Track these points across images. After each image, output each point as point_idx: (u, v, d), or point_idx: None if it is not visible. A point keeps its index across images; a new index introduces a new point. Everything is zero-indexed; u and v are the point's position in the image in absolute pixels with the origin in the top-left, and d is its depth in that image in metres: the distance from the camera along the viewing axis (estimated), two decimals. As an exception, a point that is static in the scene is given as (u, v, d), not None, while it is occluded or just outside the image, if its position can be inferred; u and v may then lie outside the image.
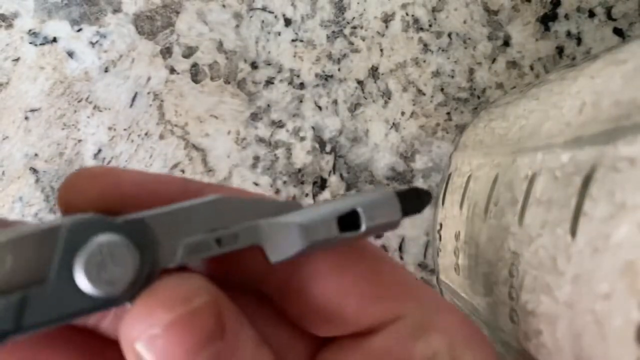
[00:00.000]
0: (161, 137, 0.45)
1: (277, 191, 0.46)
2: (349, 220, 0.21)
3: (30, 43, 0.45)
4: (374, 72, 0.46)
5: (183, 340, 0.18)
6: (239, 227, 0.20)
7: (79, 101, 0.45)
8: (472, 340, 0.24)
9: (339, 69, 0.46)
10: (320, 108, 0.46)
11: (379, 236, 0.46)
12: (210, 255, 0.20)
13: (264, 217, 0.21)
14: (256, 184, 0.46)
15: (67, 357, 0.22)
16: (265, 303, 0.24)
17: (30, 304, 0.17)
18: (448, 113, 0.46)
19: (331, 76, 0.46)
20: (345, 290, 0.23)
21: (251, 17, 0.46)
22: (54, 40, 0.45)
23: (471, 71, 0.46)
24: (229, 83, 0.45)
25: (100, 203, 0.20)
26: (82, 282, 0.18)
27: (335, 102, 0.46)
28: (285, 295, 0.23)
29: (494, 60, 0.46)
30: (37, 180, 0.45)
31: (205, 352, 0.18)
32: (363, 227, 0.21)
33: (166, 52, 0.45)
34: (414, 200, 0.23)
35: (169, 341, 0.18)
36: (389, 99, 0.46)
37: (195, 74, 0.45)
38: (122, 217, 0.19)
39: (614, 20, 0.46)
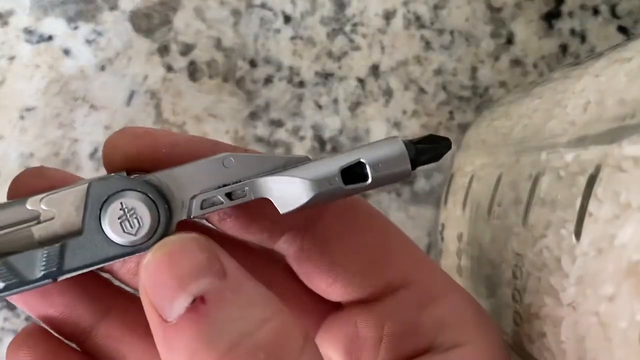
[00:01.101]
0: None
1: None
2: (355, 172, 0.22)
3: (26, 41, 0.45)
4: (374, 70, 0.46)
5: (171, 266, 0.20)
6: (248, 181, 0.22)
7: (75, 100, 0.45)
8: (478, 316, 0.25)
9: (339, 67, 0.46)
10: (320, 107, 0.46)
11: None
12: (222, 208, 0.22)
13: (272, 171, 0.22)
14: (256, 184, 0.46)
15: (84, 302, 0.25)
16: (283, 271, 0.26)
17: (70, 251, 0.21)
18: (450, 112, 0.46)
19: (331, 74, 0.46)
20: (353, 255, 0.25)
21: (250, 14, 0.46)
22: (50, 38, 0.45)
23: (474, 69, 0.46)
24: (227, 81, 0.45)
25: (138, 161, 0.23)
26: (109, 232, 0.21)
27: (335, 100, 0.46)
28: (300, 258, 0.25)
29: (497, 59, 0.46)
30: (33, 180, 0.44)
31: (197, 283, 0.19)
32: (369, 179, 0.22)
33: (163, 49, 0.45)
34: (428, 148, 0.24)
35: (158, 266, 0.20)
36: (390, 97, 0.46)
37: (193, 72, 0.45)
38: (141, 176, 0.22)
39: (619, 17, 0.46)
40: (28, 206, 0.21)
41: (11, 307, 0.45)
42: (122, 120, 0.45)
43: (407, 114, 0.46)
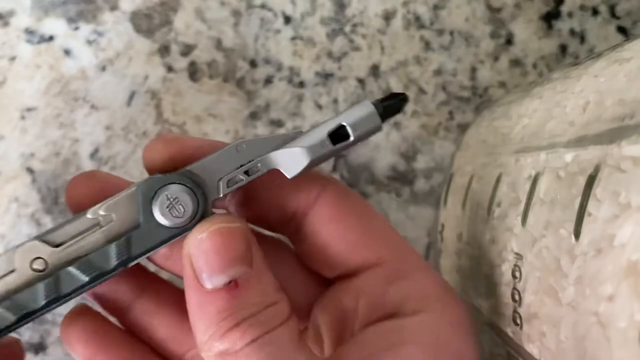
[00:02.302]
0: (161, 137, 0.45)
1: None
2: (340, 134, 0.27)
3: (27, 41, 0.45)
4: (374, 70, 0.46)
5: (221, 248, 0.25)
6: (259, 159, 0.28)
7: (76, 100, 0.45)
8: (441, 291, 0.29)
9: (339, 67, 0.46)
10: (320, 107, 0.46)
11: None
12: (244, 184, 0.28)
13: (275, 148, 0.28)
14: (256, 184, 0.46)
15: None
16: (289, 255, 0.32)
17: (134, 241, 0.27)
18: (450, 112, 0.46)
19: (331, 74, 0.46)
20: (338, 237, 0.29)
21: (250, 14, 0.46)
22: (51, 38, 0.45)
23: (473, 70, 0.46)
24: (227, 81, 0.45)
25: (171, 162, 0.28)
26: (161, 220, 0.26)
27: (335, 100, 0.46)
28: (299, 239, 0.31)
29: (496, 59, 0.46)
30: (33, 181, 0.44)
31: (235, 269, 0.25)
32: (351, 137, 0.27)
33: (164, 50, 0.45)
34: (391, 104, 0.29)
35: (211, 244, 0.25)
36: (390, 97, 0.46)
37: (194, 73, 0.45)
38: (178, 170, 0.27)
39: (618, 18, 0.46)
40: (89, 215, 0.27)
41: (12, 307, 0.45)
42: (122, 120, 0.45)
43: (406, 114, 0.46)
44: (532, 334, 0.25)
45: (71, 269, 0.26)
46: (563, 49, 0.46)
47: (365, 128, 0.28)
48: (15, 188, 0.44)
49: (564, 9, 0.46)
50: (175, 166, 0.28)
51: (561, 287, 0.23)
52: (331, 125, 0.28)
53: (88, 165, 0.44)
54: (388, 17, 0.46)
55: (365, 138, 0.28)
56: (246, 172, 0.27)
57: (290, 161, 0.28)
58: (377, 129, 0.28)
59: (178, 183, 0.27)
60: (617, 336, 0.19)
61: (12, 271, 0.26)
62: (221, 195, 0.27)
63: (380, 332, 0.28)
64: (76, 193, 0.29)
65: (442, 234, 0.40)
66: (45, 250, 0.27)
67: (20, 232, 0.44)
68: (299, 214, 0.30)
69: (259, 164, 0.28)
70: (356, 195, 0.31)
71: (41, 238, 0.27)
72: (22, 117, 0.44)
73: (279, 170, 0.28)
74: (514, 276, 0.27)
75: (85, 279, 0.26)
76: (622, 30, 0.46)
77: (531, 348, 0.26)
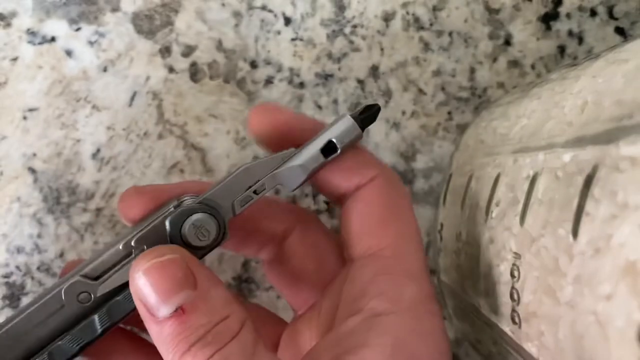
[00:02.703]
0: (160, 136, 0.45)
1: (277, 191, 0.46)
2: (328, 147, 0.32)
3: (29, 42, 0.45)
4: (374, 71, 0.46)
5: (158, 281, 0.26)
6: (264, 179, 0.31)
7: (78, 101, 0.45)
8: (422, 302, 0.31)
9: (339, 68, 0.46)
10: (320, 107, 0.46)
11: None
12: (254, 201, 0.31)
13: (276, 167, 0.32)
14: (256, 184, 0.46)
15: None
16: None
17: None
18: (449, 112, 0.46)
19: (331, 75, 0.46)
20: (360, 220, 0.32)
21: (251, 15, 0.46)
22: (53, 39, 0.45)
23: (472, 70, 0.46)
24: (228, 82, 0.45)
25: (269, 131, 0.33)
26: (191, 243, 0.30)
27: (335, 101, 0.46)
28: (342, 214, 0.34)
29: (495, 60, 0.46)
30: (35, 180, 0.44)
31: (178, 296, 0.26)
32: (339, 150, 0.32)
33: (165, 51, 0.45)
34: (367, 116, 0.33)
35: (148, 280, 0.27)
36: (390, 98, 0.46)
37: (195, 73, 0.45)
38: (197, 199, 0.31)
39: (616, 19, 0.46)
40: (121, 247, 0.30)
41: (13, 306, 0.45)
42: (124, 120, 0.45)
43: (406, 114, 0.46)
44: (531, 333, 0.25)
45: (119, 298, 0.30)
46: (561, 49, 0.46)
47: (349, 139, 0.32)
48: (17, 188, 0.44)
49: (563, 10, 0.46)
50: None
51: (559, 287, 0.23)
52: (321, 143, 0.32)
53: (90, 166, 0.45)
54: (387, 18, 0.46)
55: (349, 146, 0.32)
56: (255, 192, 0.31)
57: (291, 177, 0.32)
58: (358, 138, 0.32)
59: (201, 211, 0.30)
60: (616, 335, 0.19)
61: (62, 307, 0.30)
62: (237, 214, 0.31)
63: (349, 330, 0.29)
64: (127, 210, 0.33)
65: (441, 233, 0.40)
66: (87, 285, 0.30)
67: (22, 232, 0.44)
68: (350, 192, 0.33)
69: (265, 183, 0.31)
70: (400, 189, 0.34)
71: (80, 274, 0.30)
72: (24, 118, 0.44)
73: (341, 155, 0.32)
74: (512, 275, 0.27)
75: (133, 305, 0.29)
76: (620, 31, 0.46)
77: (530, 347, 0.26)
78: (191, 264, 0.28)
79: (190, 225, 0.30)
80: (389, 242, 0.31)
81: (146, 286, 0.27)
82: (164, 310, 0.26)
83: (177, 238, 0.30)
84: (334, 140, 0.32)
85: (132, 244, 0.30)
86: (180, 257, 0.28)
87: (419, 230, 0.33)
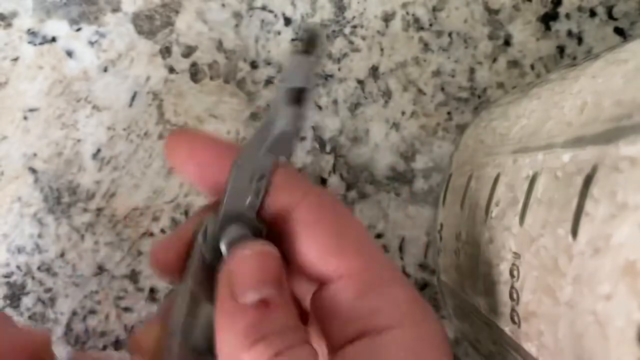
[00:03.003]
0: (160, 136, 0.45)
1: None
2: (296, 97, 0.29)
3: (29, 42, 0.45)
4: (374, 71, 0.46)
5: (260, 268, 0.27)
6: (259, 163, 0.29)
7: (78, 101, 0.45)
8: (414, 306, 0.28)
9: (339, 69, 0.46)
10: (320, 108, 0.46)
11: (378, 236, 0.46)
12: (267, 186, 0.29)
13: (263, 145, 0.29)
14: (256, 184, 0.46)
15: None
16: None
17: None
18: (449, 113, 0.46)
19: (331, 75, 0.46)
20: (312, 243, 0.29)
21: (251, 16, 0.46)
22: (53, 39, 0.45)
23: (472, 70, 0.46)
24: (228, 82, 0.45)
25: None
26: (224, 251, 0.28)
27: (335, 101, 0.46)
28: (283, 241, 0.29)
29: (494, 60, 0.46)
30: (35, 180, 0.45)
31: (268, 290, 0.26)
32: (307, 88, 0.29)
33: (165, 51, 0.45)
34: (312, 41, 0.29)
35: (252, 263, 0.27)
36: (389, 98, 0.46)
37: (195, 74, 0.45)
38: (217, 218, 0.29)
39: (615, 19, 0.46)
40: (180, 299, 0.29)
41: (14, 305, 0.45)
42: (124, 121, 0.45)
43: (405, 114, 0.46)
44: (530, 333, 0.25)
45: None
46: (561, 50, 0.46)
47: (304, 75, 0.29)
48: (17, 188, 0.44)
49: (562, 10, 0.46)
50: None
51: (559, 286, 0.23)
52: (286, 96, 0.29)
53: (90, 165, 0.45)
54: (387, 18, 0.46)
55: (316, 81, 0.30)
56: (260, 178, 0.29)
57: (283, 145, 0.29)
58: (317, 60, 0.29)
59: (227, 227, 0.29)
60: (615, 335, 0.19)
61: None
62: (256, 211, 0.29)
63: (359, 355, 0.28)
64: (163, 266, 0.31)
65: (441, 233, 0.40)
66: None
67: (22, 231, 0.44)
68: (282, 215, 0.30)
69: (263, 166, 0.29)
70: (337, 203, 0.31)
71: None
72: (25, 118, 0.44)
73: (280, 172, 0.29)
74: (511, 275, 0.27)
75: None
76: (619, 31, 0.46)
77: (529, 346, 0.26)
78: (282, 266, 0.28)
79: (226, 244, 0.28)
80: (355, 260, 0.29)
81: (248, 268, 0.27)
82: (250, 297, 0.26)
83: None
84: (296, 87, 0.29)
85: (191, 286, 0.29)
86: (280, 256, 0.28)
87: (370, 235, 0.32)
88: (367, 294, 0.28)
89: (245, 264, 0.27)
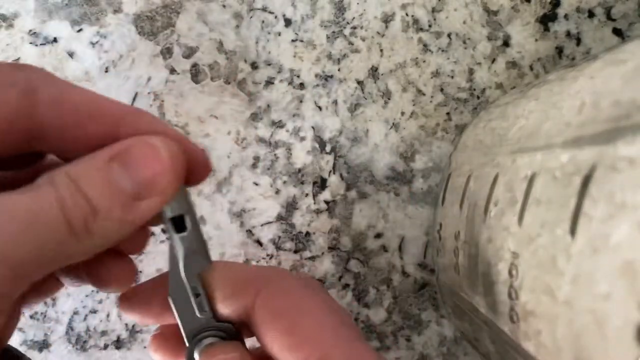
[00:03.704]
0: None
1: (277, 191, 0.46)
2: (177, 225, 0.30)
3: (31, 43, 0.45)
4: (373, 72, 0.46)
5: None
6: (185, 281, 0.31)
7: (80, 101, 0.45)
8: None
9: (338, 69, 0.46)
10: (320, 108, 0.46)
11: (378, 236, 0.46)
12: (202, 297, 0.31)
13: (179, 268, 0.31)
14: (256, 184, 0.46)
15: None
16: None
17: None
18: (448, 113, 0.46)
19: (331, 76, 0.46)
20: (273, 339, 0.30)
21: (251, 17, 0.46)
22: (55, 40, 0.45)
23: (471, 71, 0.46)
24: (229, 83, 0.46)
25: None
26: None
27: (335, 102, 0.46)
28: (258, 339, 0.31)
29: (493, 61, 0.46)
30: (37, 180, 0.45)
31: None
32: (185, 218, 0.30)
33: (166, 52, 0.45)
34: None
35: None
36: (389, 99, 0.46)
37: (196, 74, 0.45)
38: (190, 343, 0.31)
39: (614, 20, 0.46)
40: None
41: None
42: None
43: (405, 115, 0.46)
44: (529, 332, 0.25)
45: None
46: (559, 50, 0.46)
47: (180, 205, 0.30)
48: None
49: (561, 11, 0.46)
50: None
51: (557, 286, 0.23)
52: (172, 226, 0.30)
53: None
54: (387, 19, 0.46)
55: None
56: (196, 296, 0.31)
57: (195, 263, 0.31)
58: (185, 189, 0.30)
59: (198, 340, 0.31)
60: (613, 334, 0.19)
61: None
62: (214, 317, 0.31)
63: None
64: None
65: (440, 233, 0.40)
66: None
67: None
68: (247, 314, 0.31)
69: (190, 283, 0.31)
70: (293, 292, 0.32)
71: None
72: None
73: (221, 282, 0.31)
74: (510, 274, 0.27)
75: None
76: (617, 32, 0.46)
77: (528, 345, 0.26)
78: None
79: (199, 354, 0.31)
80: (312, 351, 0.30)
81: None
82: None
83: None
84: (175, 215, 0.30)
85: None
86: (239, 356, 0.30)
87: (327, 314, 0.32)
88: None
89: None
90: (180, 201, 0.30)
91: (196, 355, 0.31)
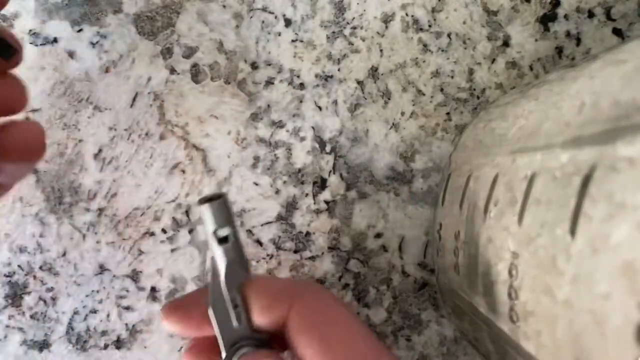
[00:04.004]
0: (161, 137, 0.45)
1: (277, 191, 0.46)
2: (220, 238, 0.32)
3: (31, 43, 0.45)
4: (373, 72, 0.46)
5: None
6: (225, 293, 0.33)
7: (80, 101, 0.45)
8: None
9: (338, 69, 0.46)
10: (320, 108, 0.46)
11: (378, 236, 0.46)
12: (241, 309, 0.33)
13: (220, 279, 0.33)
14: (256, 184, 0.46)
15: None
16: None
17: None
18: (448, 113, 0.46)
19: (331, 76, 0.46)
20: (305, 347, 0.31)
21: (251, 17, 0.46)
22: (55, 40, 0.45)
23: (471, 71, 0.46)
24: (229, 83, 0.46)
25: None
26: None
27: (335, 102, 0.46)
28: (291, 348, 0.33)
29: (493, 61, 0.46)
30: (37, 180, 0.45)
31: None
32: (226, 230, 0.32)
33: (166, 52, 0.45)
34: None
35: None
36: (389, 99, 0.46)
37: (196, 74, 0.45)
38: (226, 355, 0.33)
39: (613, 20, 0.46)
40: None
41: (16, 305, 0.45)
42: (126, 121, 0.45)
43: (405, 115, 0.46)
44: (529, 332, 0.25)
45: None
46: (559, 51, 0.46)
47: (221, 215, 0.32)
48: (19, 188, 0.44)
49: (561, 11, 0.46)
50: None
51: (557, 286, 0.23)
52: (213, 239, 0.32)
53: (92, 165, 0.45)
54: (387, 20, 0.46)
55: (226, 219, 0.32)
56: (235, 306, 0.33)
57: (235, 274, 0.33)
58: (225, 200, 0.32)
59: (235, 350, 0.33)
60: (613, 334, 0.19)
61: None
62: (251, 328, 0.33)
63: None
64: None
65: (440, 233, 0.40)
66: None
67: (24, 231, 0.45)
68: (281, 325, 0.33)
69: (230, 295, 0.33)
70: (326, 303, 0.34)
71: None
72: (27, 118, 0.44)
73: (259, 293, 0.33)
74: (510, 274, 0.27)
75: None
76: (617, 32, 0.46)
77: (527, 345, 0.26)
78: None
79: None
80: (340, 356, 0.32)
81: None
82: None
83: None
84: (215, 228, 0.32)
85: None
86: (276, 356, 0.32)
87: (356, 327, 0.34)
88: None
89: None
90: (224, 213, 0.32)
91: None
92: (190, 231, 0.46)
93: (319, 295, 0.35)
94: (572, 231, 0.22)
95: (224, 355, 0.33)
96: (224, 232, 0.32)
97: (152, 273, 0.46)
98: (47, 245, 0.45)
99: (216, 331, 0.33)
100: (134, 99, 0.45)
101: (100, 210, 0.45)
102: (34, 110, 0.45)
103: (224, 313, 0.33)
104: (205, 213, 0.32)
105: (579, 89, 0.27)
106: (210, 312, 0.33)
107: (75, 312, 0.46)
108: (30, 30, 0.45)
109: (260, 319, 0.33)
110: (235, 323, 0.33)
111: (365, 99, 0.46)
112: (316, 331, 0.32)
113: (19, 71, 0.44)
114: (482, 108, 0.45)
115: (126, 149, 0.45)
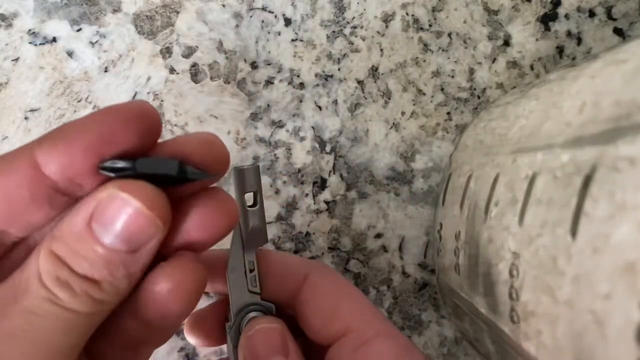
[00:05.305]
0: (161, 137, 0.45)
1: (277, 191, 0.46)
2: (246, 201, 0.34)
3: (30, 43, 0.45)
4: (374, 72, 0.46)
5: (262, 342, 0.32)
6: (246, 259, 0.35)
7: (79, 101, 0.45)
8: (405, 351, 0.32)
9: (338, 69, 0.46)
10: (320, 108, 0.46)
11: (378, 236, 0.46)
12: (259, 275, 0.35)
13: (242, 245, 0.35)
14: (256, 184, 0.46)
15: None
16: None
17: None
18: (448, 113, 0.46)
19: (331, 76, 0.46)
20: (317, 313, 0.35)
21: (251, 16, 0.46)
22: (54, 40, 0.45)
23: (471, 71, 0.46)
24: (228, 83, 0.45)
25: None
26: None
27: (335, 102, 0.46)
28: (297, 315, 0.36)
29: (494, 60, 0.46)
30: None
31: (276, 357, 0.31)
32: (249, 192, 0.34)
33: (166, 52, 0.45)
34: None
35: (255, 339, 0.32)
36: (389, 98, 0.46)
37: (195, 74, 0.45)
38: (233, 318, 0.35)
39: (614, 20, 0.46)
40: None
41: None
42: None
43: (405, 114, 0.46)
44: (529, 332, 0.25)
45: None
46: (560, 50, 0.46)
47: (251, 180, 0.34)
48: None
49: (561, 10, 0.46)
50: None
51: (558, 286, 0.23)
52: (241, 200, 0.34)
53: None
54: (387, 19, 0.46)
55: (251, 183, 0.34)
56: (251, 270, 0.35)
57: (256, 239, 0.35)
58: (256, 173, 0.34)
59: (244, 314, 0.35)
60: (614, 334, 0.19)
61: None
62: (256, 289, 0.35)
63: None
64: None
65: (441, 233, 0.40)
66: None
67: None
68: (293, 295, 0.36)
69: (249, 261, 0.35)
70: (335, 275, 0.37)
71: None
72: (26, 118, 0.44)
73: (276, 261, 0.36)
74: (511, 274, 0.27)
75: None
76: (618, 32, 0.46)
77: (528, 346, 0.26)
78: (287, 337, 0.33)
79: (243, 327, 0.34)
80: (351, 320, 0.34)
81: (252, 344, 0.32)
82: None
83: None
84: (245, 191, 0.33)
85: None
86: (281, 328, 0.33)
87: (362, 297, 0.36)
88: (360, 347, 0.33)
89: (250, 341, 0.32)
90: (255, 180, 0.33)
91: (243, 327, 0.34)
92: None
93: (331, 271, 0.37)
94: (573, 231, 0.22)
95: (232, 319, 0.34)
96: (253, 196, 0.34)
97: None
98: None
99: (230, 295, 0.34)
100: (133, 99, 0.45)
101: (100, 210, 0.45)
102: (32, 110, 0.44)
103: (239, 276, 0.34)
104: (238, 177, 0.33)
105: (580, 88, 0.27)
106: (228, 276, 0.34)
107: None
108: (29, 30, 0.45)
109: (274, 286, 0.36)
110: (250, 287, 0.35)
111: (366, 98, 0.46)
112: (328, 299, 0.35)
113: (19, 71, 0.44)
114: (482, 108, 0.45)
115: (125, 148, 0.45)
